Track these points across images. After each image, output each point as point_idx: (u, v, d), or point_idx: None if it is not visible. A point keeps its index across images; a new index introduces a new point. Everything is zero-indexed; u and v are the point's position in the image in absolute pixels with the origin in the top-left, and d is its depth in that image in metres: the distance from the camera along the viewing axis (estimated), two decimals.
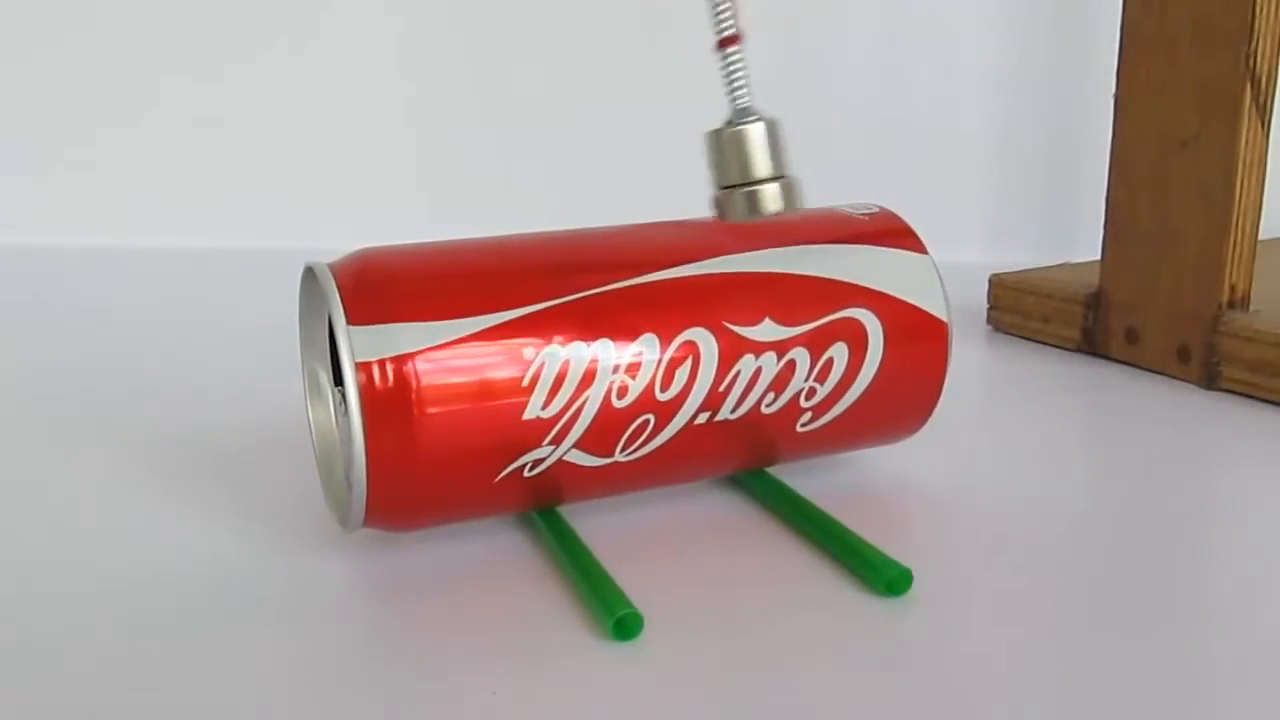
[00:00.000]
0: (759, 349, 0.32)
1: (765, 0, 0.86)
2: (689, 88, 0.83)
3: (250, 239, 0.80)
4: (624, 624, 0.28)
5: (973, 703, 0.25)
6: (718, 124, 0.28)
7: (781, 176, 0.28)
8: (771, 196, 0.28)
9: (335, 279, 0.29)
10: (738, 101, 0.28)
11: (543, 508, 0.33)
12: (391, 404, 0.28)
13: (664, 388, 0.31)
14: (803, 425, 0.34)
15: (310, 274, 0.31)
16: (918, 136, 0.82)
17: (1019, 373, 0.52)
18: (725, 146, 0.28)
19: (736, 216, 0.29)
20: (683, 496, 0.36)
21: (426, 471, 0.29)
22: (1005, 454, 0.42)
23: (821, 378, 0.33)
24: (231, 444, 0.41)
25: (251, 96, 0.83)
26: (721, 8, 0.27)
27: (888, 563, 0.30)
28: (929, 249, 0.36)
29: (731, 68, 0.28)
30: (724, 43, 0.28)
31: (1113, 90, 0.51)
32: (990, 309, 0.58)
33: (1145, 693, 0.26)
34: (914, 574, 0.30)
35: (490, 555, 0.32)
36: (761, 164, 0.28)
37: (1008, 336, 0.57)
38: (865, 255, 0.34)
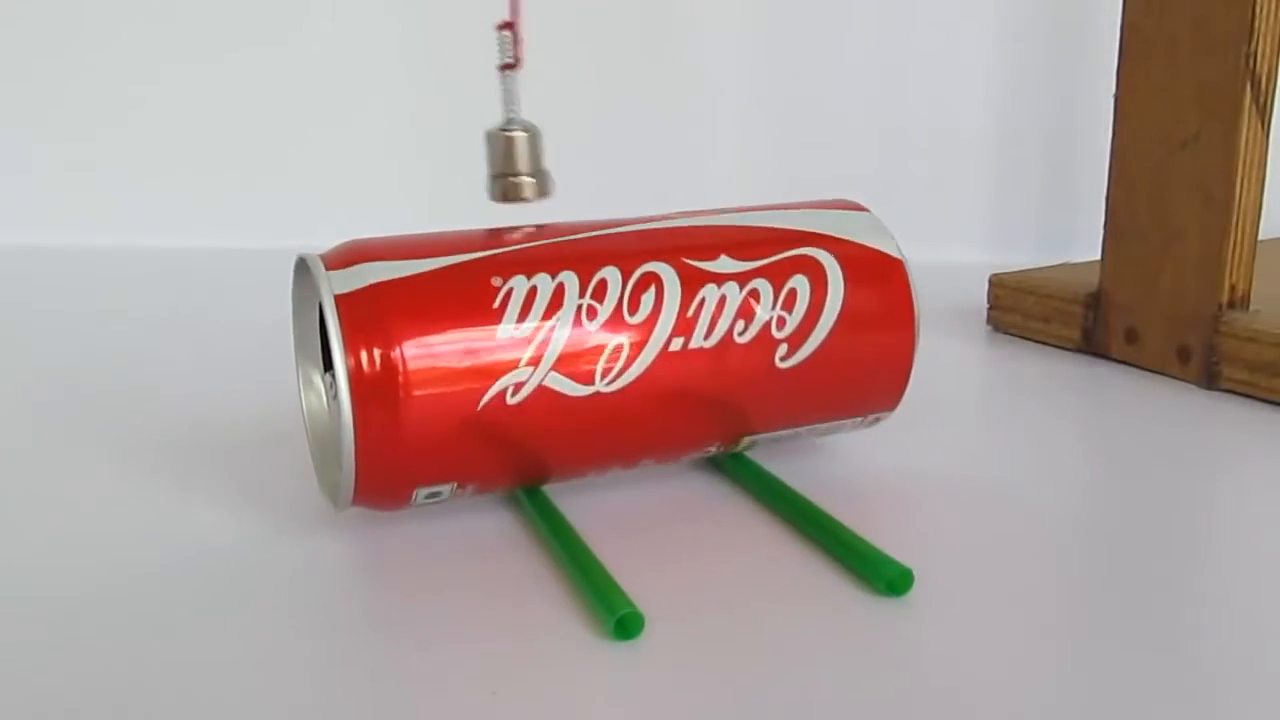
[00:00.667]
0: (720, 279, 0.33)
1: (766, 0, 0.86)
2: (689, 88, 0.83)
3: (250, 239, 0.80)
4: (625, 623, 0.28)
5: (973, 703, 0.25)
6: (491, 127, 0.35)
7: (538, 171, 0.35)
8: (528, 186, 0.35)
9: (320, 254, 0.32)
10: (510, 113, 0.35)
11: (538, 475, 0.33)
12: (369, 330, 0.29)
13: (631, 311, 0.32)
14: (782, 360, 0.34)
15: (299, 264, 0.33)
16: (918, 136, 0.82)
17: (1019, 373, 0.52)
18: (497, 145, 0.35)
19: (502, 198, 0.35)
20: (684, 494, 0.36)
21: (409, 398, 0.29)
22: (1005, 454, 0.42)
23: (787, 307, 0.34)
24: (229, 439, 0.42)
25: (252, 96, 0.83)
26: (505, 40, 0.35)
27: (888, 562, 0.30)
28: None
29: (508, 87, 0.35)
30: (505, 68, 0.35)
31: (1113, 90, 0.51)
32: (990, 309, 0.58)
33: (1145, 692, 0.26)
34: (914, 574, 0.30)
35: (490, 555, 0.33)
36: (523, 161, 0.35)
37: (1008, 336, 0.57)
38: (813, 213, 0.37)
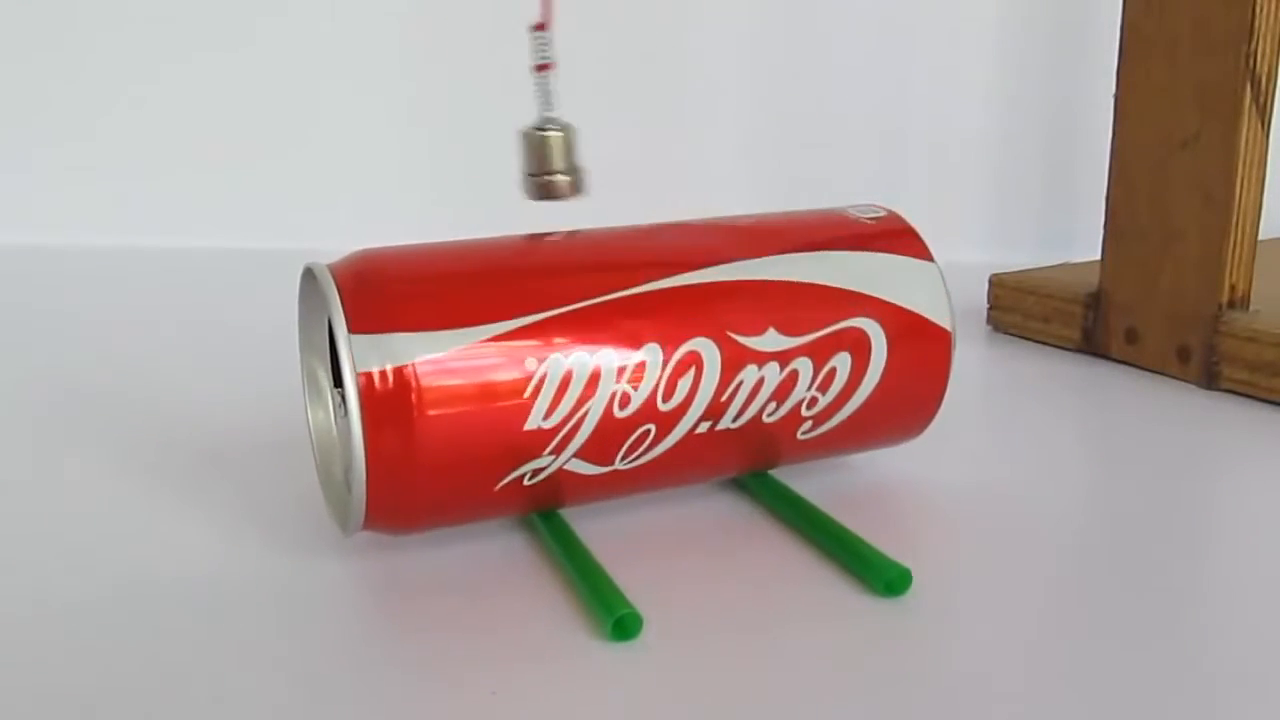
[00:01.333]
0: (762, 359, 0.32)
1: (767, 2, 0.86)
2: (690, 88, 0.83)
3: (250, 239, 0.80)
4: (624, 624, 0.28)
5: (973, 703, 0.25)
6: (525, 127, 0.35)
7: (573, 170, 0.35)
8: (564, 185, 0.34)
9: (336, 282, 0.29)
10: (545, 112, 0.35)
11: (542, 511, 0.33)
12: (392, 409, 0.28)
13: (666, 398, 0.31)
14: (803, 433, 0.34)
15: (310, 275, 0.31)
16: (918, 137, 0.82)
17: (1019, 373, 0.52)
18: (532, 144, 0.35)
19: (535, 198, 0.34)
20: (682, 497, 0.36)
21: (426, 477, 0.29)
22: (1005, 454, 0.42)
23: (824, 388, 0.33)
24: (231, 445, 0.41)
25: (252, 96, 0.83)
26: (540, 41, 0.35)
27: (888, 563, 0.30)
28: (930, 249, 0.36)
29: (544, 87, 0.35)
30: (539, 69, 0.35)
31: (1113, 90, 0.51)
32: (990, 309, 0.58)
33: (1145, 692, 0.26)
34: (914, 574, 0.30)
35: (490, 556, 0.32)
36: (558, 160, 0.34)
37: (1008, 336, 0.57)
38: (870, 262, 0.34)
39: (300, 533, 0.34)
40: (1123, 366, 0.51)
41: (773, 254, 0.33)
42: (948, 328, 0.35)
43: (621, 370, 0.30)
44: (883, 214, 0.37)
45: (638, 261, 0.32)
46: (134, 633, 0.28)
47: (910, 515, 0.36)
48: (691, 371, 0.31)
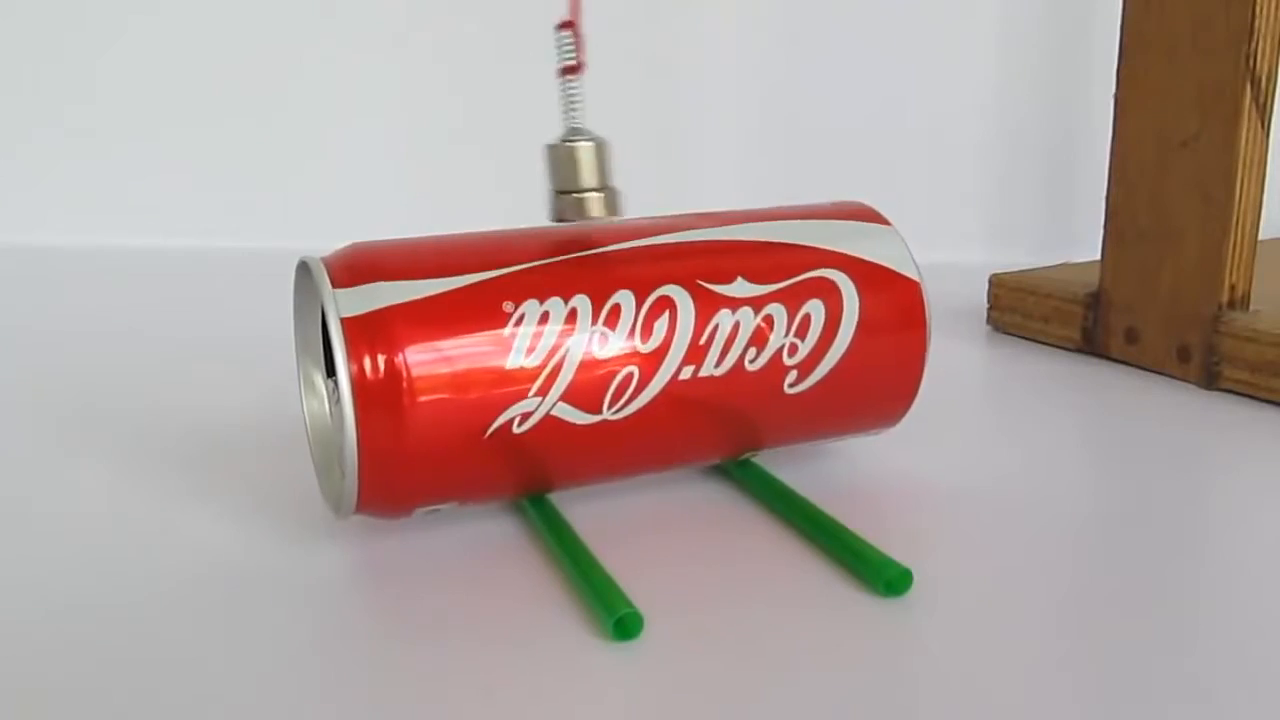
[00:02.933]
0: (734, 304, 0.33)
1: (768, 1, 0.86)
2: (690, 87, 0.83)
3: (250, 239, 0.80)
4: (624, 624, 0.28)
5: (972, 702, 0.25)
6: (553, 139, 0.33)
7: (606, 187, 0.33)
8: (596, 203, 0.33)
9: (325, 261, 0.31)
10: (572, 122, 0.33)
11: (539, 489, 0.33)
12: (376, 355, 0.29)
13: (644, 338, 0.31)
14: (790, 386, 0.34)
15: (303, 267, 0.32)
16: (918, 136, 0.82)
17: (1019, 373, 0.52)
18: (560, 158, 0.33)
19: (566, 217, 0.33)
20: (683, 495, 0.36)
21: (416, 425, 0.29)
22: (1005, 454, 0.42)
23: (801, 334, 0.33)
24: (229, 441, 0.42)
25: (252, 96, 0.83)
26: (565, 42, 0.32)
27: (888, 563, 0.30)
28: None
29: (570, 93, 0.33)
30: (565, 71, 0.32)
31: (1113, 90, 0.51)
32: (990, 309, 0.58)
33: (1145, 692, 0.26)
34: (914, 574, 0.30)
35: (490, 556, 0.32)
36: (589, 175, 0.32)
37: (1008, 336, 0.57)
38: (831, 226, 0.36)
39: (300, 527, 0.34)
40: (1123, 366, 0.51)
41: (737, 224, 0.35)
42: (915, 278, 0.36)
43: (597, 312, 0.31)
44: (844, 201, 0.38)
45: (606, 234, 0.33)
46: (130, 623, 0.28)
47: (910, 514, 0.36)
48: (666, 315, 0.32)
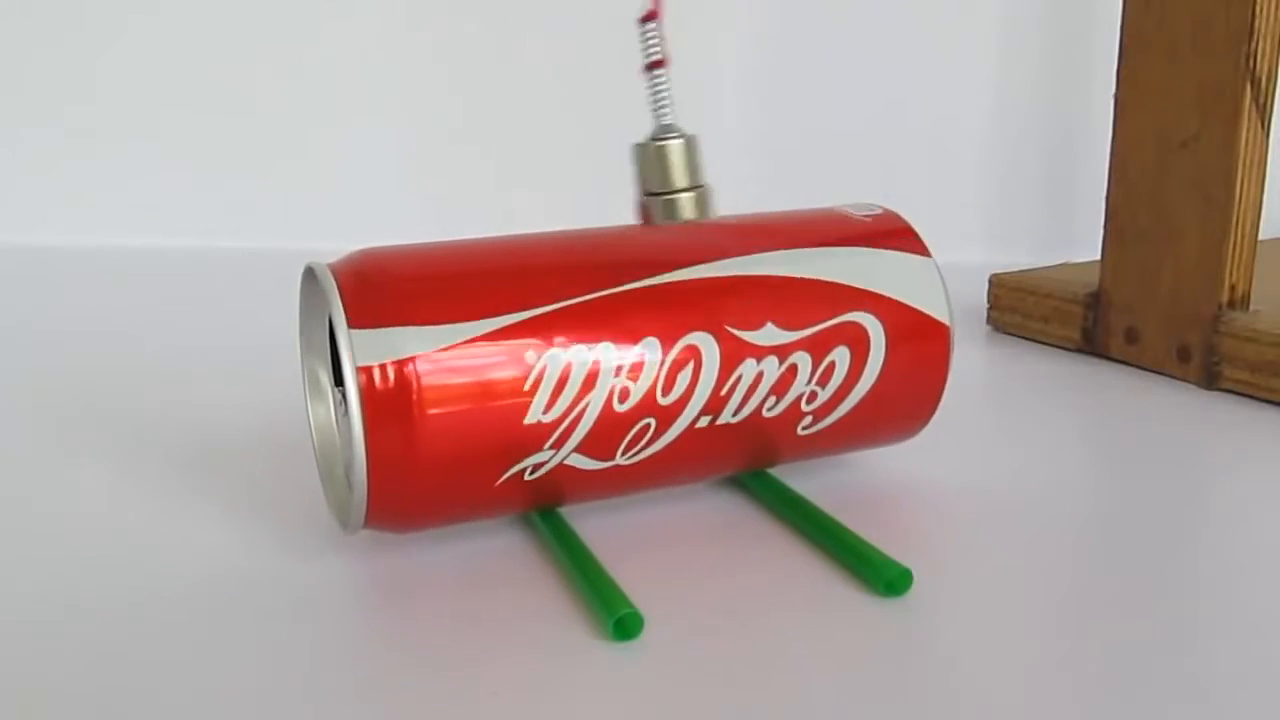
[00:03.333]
0: (761, 353, 0.32)
1: (768, 1, 0.86)
2: (691, 86, 0.83)
3: (250, 239, 0.80)
4: (624, 624, 0.28)
5: (972, 702, 0.25)
6: (642, 138, 0.31)
7: (698, 186, 0.31)
8: (688, 204, 0.31)
9: (336, 280, 0.29)
10: (662, 119, 0.31)
11: (543, 509, 0.33)
12: (392, 406, 0.28)
13: (665, 392, 0.31)
14: (804, 429, 0.34)
15: (310, 275, 0.31)
16: (918, 136, 0.82)
17: (1019, 373, 0.52)
18: (649, 158, 0.31)
19: (657, 220, 0.32)
20: (683, 496, 0.36)
21: (427, 474, 0.29)
22: (1005, 454, 0.42)
23: (823, 381, 0.33)
24: (231, 444, 0.41)
25: (252, 96, 0.83)
26: (650, 35, 0.30)
27: (888, 563, 0.30)
28: (930, 249, 0.36)
29: (657, 88, 0.31)
30: (651, 66, 0.31)
31: (1113, 90, 0.51)
32: (990, 309, 0.58)
33: (1145, 692, 0.26)
34: (914, 574, 0.30)
35: (490, 555, 0.32)
36: (680, 175, 0.31)
37: (1008, 336, 0.57)
38: (867, 258, 0.34)
39: (302, 531, 0.34)
40: (1123, 366, 0.51)
41: (769, 250, 0.33)
42: (946, 322, 0.35)
43: (620, 365, 0.30)
44: (879, 211, 0.37)
45: (635, 259, 0.32)
46: (135, 630, 0.28)
47: (910, 515, 0.36)
48: (690, 366, 0.31)
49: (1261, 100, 0.46)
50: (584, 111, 0.80)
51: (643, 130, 0.34)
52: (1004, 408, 0.48)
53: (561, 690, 0.26)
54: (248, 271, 0.73)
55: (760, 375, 0.32)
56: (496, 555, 0.32)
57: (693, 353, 0.31)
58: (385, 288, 0.29)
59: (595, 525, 0.33)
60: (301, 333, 0.34)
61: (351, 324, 0.28)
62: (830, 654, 0.27)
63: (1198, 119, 0.47)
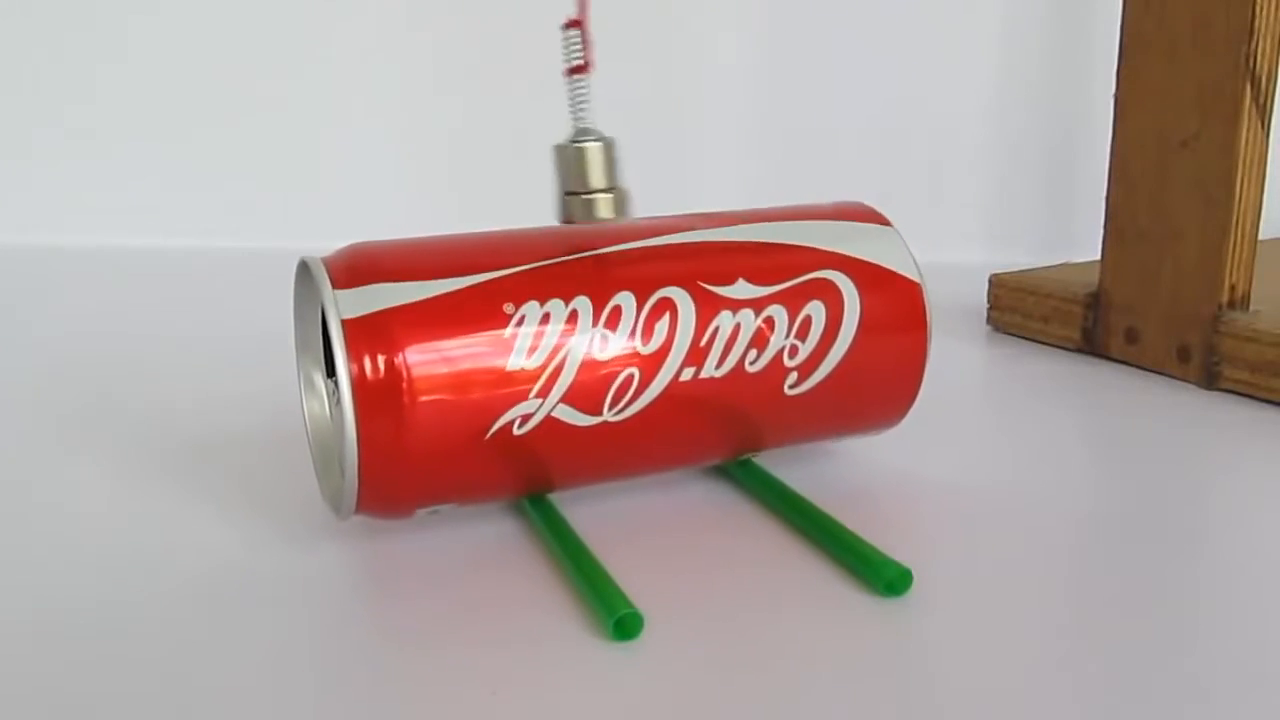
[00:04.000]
0: (735, 305, 0.32)
1: (767, 1, 0.86)
2: (690, 86, 0.83)
3: (250, 239, 0.80)
4: (624, 624, 0.28)
5: (972, 702, 0.25)
6: (562, 140, 0.32)
7: (614, 187, 0.32)
8: (605, 204, 0.32)
9: (325, 262, 0.31)
10: (580, 122, 0.32)
11: (539, 489, 0.33)
12: (377, 356, 0.29)
13: (645, 340, 0.31)
14: (791, 387, 0.34)
15: (303, 268, 0.32)
16: (918, 136, 0.82)
17: (1019, 373, 0.52)
18: (568, 159, 0.32)
19: (576, 219, 0.33)
20: (683, 496, 0.36)
21: (416, 427, 0.29)
22: (1005, 454, 0.42)
23: (801, 335, 0.33)
24: (229, 440, 0.42)
25: (252, 96, 0.83)
26: (572, 41, 0.32)
27: (888, 563, 0.30)
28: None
29: (577, 93, 0.32)
30: (573, 71, 0.32)
31: (1113, 90, 0.51)
32: (990, 309, 0.58)
33: (1145, 692, 0.26)
34: (914, 574, 0.30)
35: (490, 555, 0.32)
36: (598, 176, 0.32)
37: (1008, 336, 0.57)
38: (831, 226, 0.36)
39: (298, 524, 0.34)
40: (1123, 366, 0.51)
41: (736, 225, 0.35)
42: (915, 279, 0.35)
43: (598, 314, 0.31)
44: (844, 201, 0.38)
45: (607, 235, 0.33)
46: (129, 623, 0.28)
47: (910, 514, 0.36)
48: (667, 316, 0.32)
49: (1261, 100, 0.46)
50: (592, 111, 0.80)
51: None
52: (1004, 408, 0.48)
53: (561, 690, 0.26)
54: (248, 271, 0.73)
55: (738, 327, 0.32)
56: (496, 555, 0.32)
57: (668, 304, 0.32)
58: (368, 257, 0.31)
59: (594, 524, 0.33)
60: (297, 333, 0.35)
61: (335, 285, 0.30)
62: (830, 654, 0.27)
63: (1198, 119, 0.47)
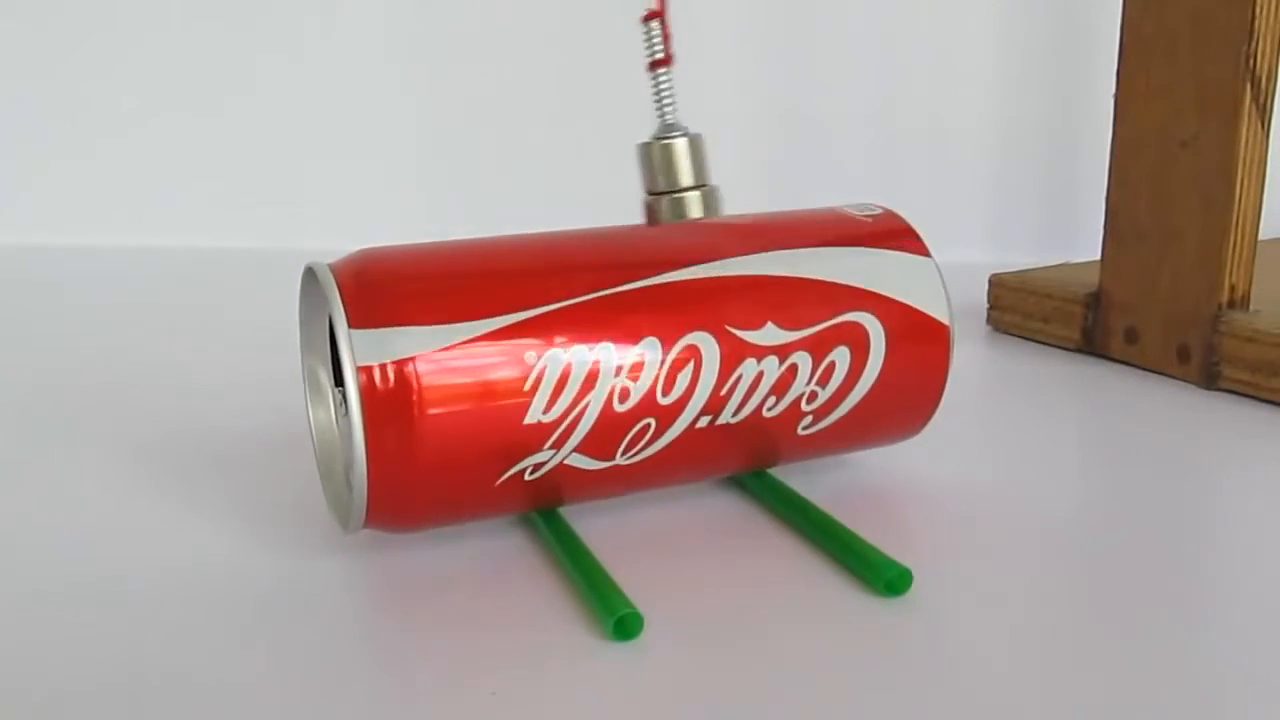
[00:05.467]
0: (761, 353, 0.32)
1: (767, 1, 0.86)
2: (689, 86, 0.83)
3: (250, 239, 0.80)
4: (624, 624, 0.28)
5: (973, 703, 0.25)
6: (647, 137, 0.31)
7: (703, 185, 0.31)
8: (694, 203, 0.31)
9: (336, 280, 0.29)
10: (665, 117, 0.31)
11: (543, 509, 0.33)
12: (392, 406, 0.28)
13: (665, 392, 0.31)
14: (804, 429, 0.34)
15: (311, 275, 0.31)
16: (918, 136, 0.82)
17: (1019, 373, 0.52)
18: (654, 157, 0.31)
19: (663, 219, 0.31)
20: (683, 496, 0.36)
21: (427, 474, 0.29)
22: (1005, 454, 0.42)
23: (823, 381, 0.33)
24: (232, 444, 0.41)
25: (252, 96, 0.83)
26: (653, 34, 0.30)
27: (888, 563, 0.30)
28: (930, 249, 0.36)
29: (661, 87, 0.31)
30: (655, 65, 0.31)
31: (1113, 90, 0.51)
32: (990, 309, 0.58)
33: (1145, 692, 0.26)
34: (914, 574, 0.30)
35: (490, 555, 0.32)
36: (685, 174, 0.31)
37: (1008, 336, 0.57)
38: (867, 258, 0.34)
39: (301, 531, 0.34)
40: (1123, 366, 0.51)
41: (769, 250, 0.33)
42: (946, 322, 0.35)
43: (620, 364, 0.30)
44: (879, 212, 0.37)
45: (634, 259, 0.32)
46: (133, 630, 0.28)
47: (910, 515, 0.36)
48: (690, 366, 0.31)
49: (1261, 100, 0.46)
50: (586, 111, 0.80)
51: (647, 128, 0.33)
52: (1004, 408, 0.48)
53: (561, 690, 0.26)
54: (248, 271, 0.73)
55: (760, 375, 0.32)
56: (496, 555, 0.32)
57: (693, 352, 0.31)
58: (385, 288, 0.29)
59: (595, 525, 0.33)
60: (301, 333, 0.34)
61: (352, 324, 0.28)
62: (830, 654, 0.27)
63: (1198, 119, 0.47)
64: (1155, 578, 0.31)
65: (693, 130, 0.31)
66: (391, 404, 0.28)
